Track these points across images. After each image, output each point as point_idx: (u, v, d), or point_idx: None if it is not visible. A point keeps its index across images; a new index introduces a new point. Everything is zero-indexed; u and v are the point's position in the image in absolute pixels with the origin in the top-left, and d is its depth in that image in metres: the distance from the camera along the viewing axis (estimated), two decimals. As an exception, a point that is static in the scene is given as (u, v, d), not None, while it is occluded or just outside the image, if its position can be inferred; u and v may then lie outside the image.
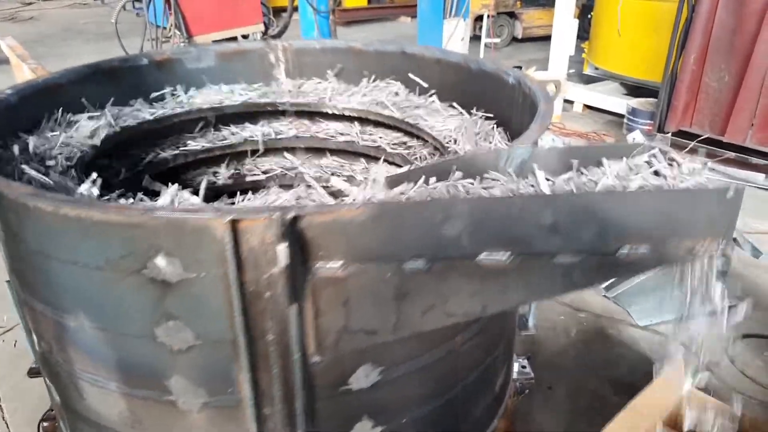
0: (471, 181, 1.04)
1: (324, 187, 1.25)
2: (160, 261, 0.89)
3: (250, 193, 1.96)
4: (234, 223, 0.84)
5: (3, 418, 2.52)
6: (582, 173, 1.03)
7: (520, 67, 6.02)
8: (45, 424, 1.92)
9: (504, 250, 0.90)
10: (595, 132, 5.31)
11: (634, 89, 5.51)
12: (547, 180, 1.02)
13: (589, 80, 6.14)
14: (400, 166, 1.84)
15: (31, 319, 1.21)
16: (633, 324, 2.57)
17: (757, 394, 2.14)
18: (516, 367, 1.67)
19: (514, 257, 0.91)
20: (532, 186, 1.00)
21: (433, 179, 1.04)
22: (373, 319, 0.94)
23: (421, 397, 1.16)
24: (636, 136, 4.70)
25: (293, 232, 0.84)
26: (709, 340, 2.39)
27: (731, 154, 3.93)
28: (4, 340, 3.04)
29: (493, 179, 1.04)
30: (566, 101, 5.75)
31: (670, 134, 4.23)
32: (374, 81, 1.96)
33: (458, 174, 1.04)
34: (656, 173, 1.06)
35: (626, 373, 2.27)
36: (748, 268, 2.90)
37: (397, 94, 1.90)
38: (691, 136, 4.14)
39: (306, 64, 2.02)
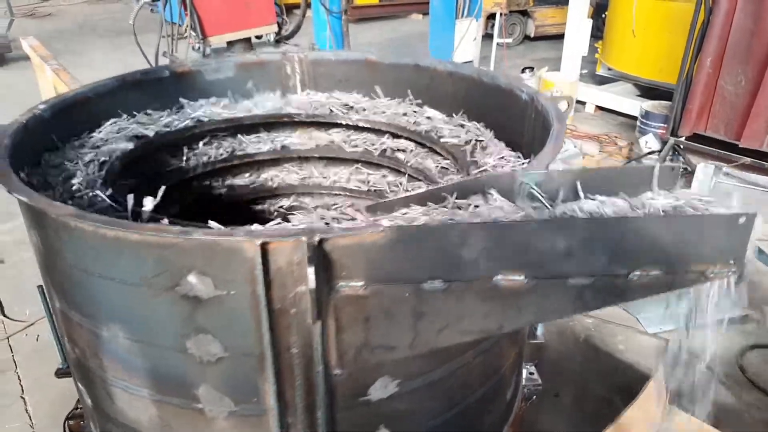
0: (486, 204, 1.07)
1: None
2: (193, 279, 0.95)
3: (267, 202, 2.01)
4: (264, 245, 0.89)
5: (26, 410, 2.62)
6: (595, 197, 1.06)
7: (532, 68, 5.99)
8: (71, 422, 2.00)
9: (519, 273, 0.94)
10: (607, 134, 5.28)
11: (648, 91, 5.46)
12: (561, 204, 1.05)
13: (601, 81, 6.10)
14: (415, 178, 1.88)
15: (66, 328, 1.27)
16: (642, 331, 2.59)
17: (766, 404, 2.16)
18: (524, 373, 1.71)
19: (529, 279, 0.94)
20: (547, 210, 1.04)
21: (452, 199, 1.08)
22: (391, 336, 0.99)
23: (435, 407, 1.20)
24: (649, 140, 4.68)
25: (318, 253, 0.89)
26: (720, 349, 2.40)
27: (747, 160, 3.90)
28: (27, 335, 3.13)
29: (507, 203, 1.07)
30: (578, 102, 5.72)
31: (684, 138, 4.20)
32: (389, 93, 2.00)
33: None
34: (670, 196, 1.08)
35: (635, 380, 2.29)
36: (761, 276, 2.89)
37: (411, 104, 1.94)
38: (706, 141, 4.11)
39: (321, 75, 2.06)
